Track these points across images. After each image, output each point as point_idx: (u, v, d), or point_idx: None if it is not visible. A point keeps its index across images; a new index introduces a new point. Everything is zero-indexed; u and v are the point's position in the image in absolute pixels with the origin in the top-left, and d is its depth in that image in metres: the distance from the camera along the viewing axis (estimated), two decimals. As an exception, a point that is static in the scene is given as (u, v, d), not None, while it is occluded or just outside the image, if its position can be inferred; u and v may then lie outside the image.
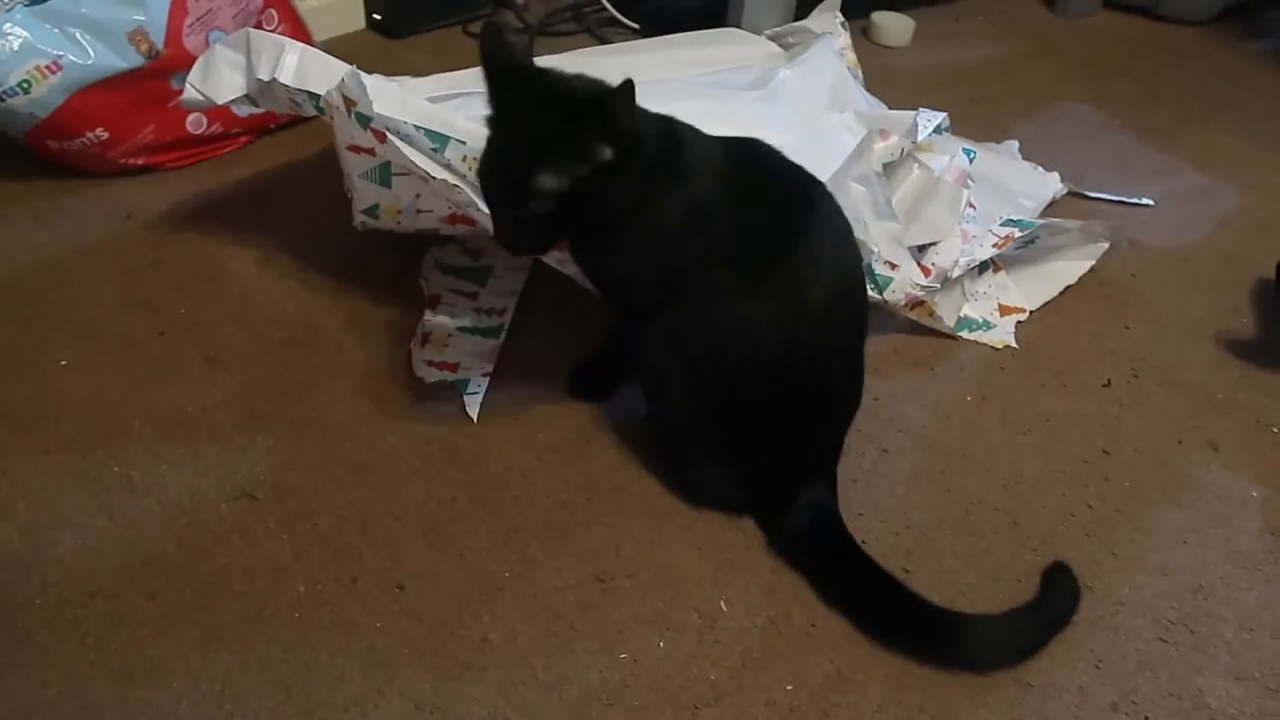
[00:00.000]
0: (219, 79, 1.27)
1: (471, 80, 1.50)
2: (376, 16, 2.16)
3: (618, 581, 1.02)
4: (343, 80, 1.14)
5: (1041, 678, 0.96)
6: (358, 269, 1.37)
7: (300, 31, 1.76)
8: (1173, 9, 2.43)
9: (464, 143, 1.14)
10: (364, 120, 1.14)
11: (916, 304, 1.32)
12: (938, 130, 1.42)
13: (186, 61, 1.52)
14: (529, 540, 1.06)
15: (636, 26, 2.23)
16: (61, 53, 1.44)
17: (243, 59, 1.26)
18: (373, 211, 1.29)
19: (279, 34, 1.69)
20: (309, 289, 1.38)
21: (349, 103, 1.15)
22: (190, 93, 1.28)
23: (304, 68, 1.21)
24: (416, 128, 1.13)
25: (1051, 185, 1.68)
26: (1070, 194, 1.71)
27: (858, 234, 1.23)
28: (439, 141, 1.14)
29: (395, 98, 1.14)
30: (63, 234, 1.48)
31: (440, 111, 1.17)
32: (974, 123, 1.86)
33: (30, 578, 0.99)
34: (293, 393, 1.22)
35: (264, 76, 1.21)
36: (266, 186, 1.62)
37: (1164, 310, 1.48)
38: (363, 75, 1.13)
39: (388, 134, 1.13)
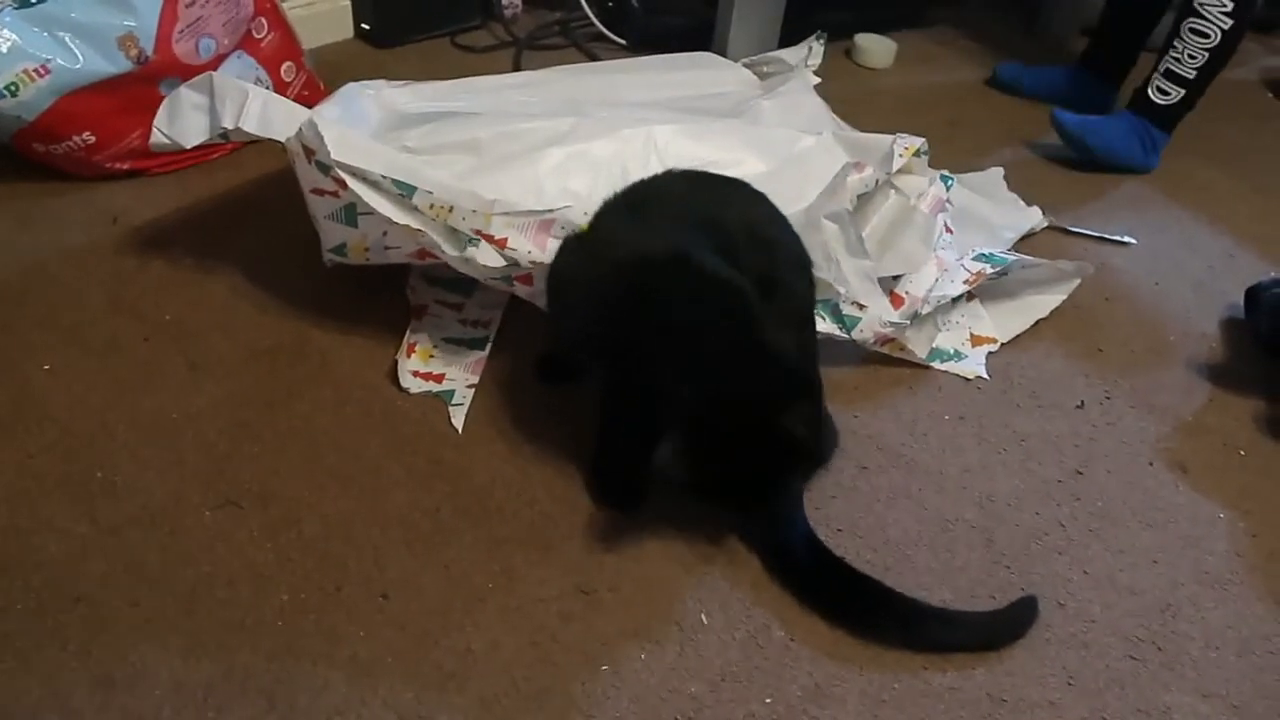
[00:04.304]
0: (185, 123, 1.28)
1: (449, 93, 1.51)
2: (365, 26, 2.17)
3: (600, 594, 1.03)
4: (300, 130, 1.16)
5: (1014, 693, 0.98)
6: (344, 278, 1.38)
7: (289, 40, 1.77)
8: (1151, 39, 2.49)
9: (431, 192, 1.15)
10: (324, 168, 1.15)
11: (886, 340, 1.34)
12: (917, 154, 1.45)
13: (175, 67, 1.54)
14: (512, 551, 1.07)
15: (624, 43, 2.25)
16: (50, 56, 1.44)
17: (207, 100, 1.27)
18: (340, 250, 1.29)
19: (269, 42, 1.72)
20: (295, 297, 1.38)
21: (308, 151, 1.16)
22: (157, 137, 1.29)
23: (267, 114, 1.23)
24: (383, 176, 1.14)
25: (1032, 218, 1.71)
26: (1051, 228, 1.74)
27: (829, 273, 1.26)
28: (406, 189, 1.15)
29: (359, 147, 1.16)
30: (48, 238, 1.47)
31: (405, 160, 1.18)
32: (955, 146, 1.90)
33: (12, 583, 0.98)
34: (278, 401, 1.23)
35: (228, 124, 1.23)
36: (254, 193, 1.62)
37: (1136, 334, 1.51)
38: (320, 124, 1.14)
39: (348, 181, 1.14)
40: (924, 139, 1.44)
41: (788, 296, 1.09)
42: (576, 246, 1.13)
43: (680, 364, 0.99)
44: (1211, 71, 1.81)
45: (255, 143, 1.69)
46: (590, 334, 1.08)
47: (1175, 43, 1.81)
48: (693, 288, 1.02)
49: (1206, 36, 1.76)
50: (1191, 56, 1.80)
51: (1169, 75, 1.84)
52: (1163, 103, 1.87)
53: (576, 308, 1.10)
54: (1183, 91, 1.83)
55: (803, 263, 1.16)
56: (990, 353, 1.43)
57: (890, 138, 1.41)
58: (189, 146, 1.28)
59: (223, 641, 0.95)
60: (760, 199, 1.17)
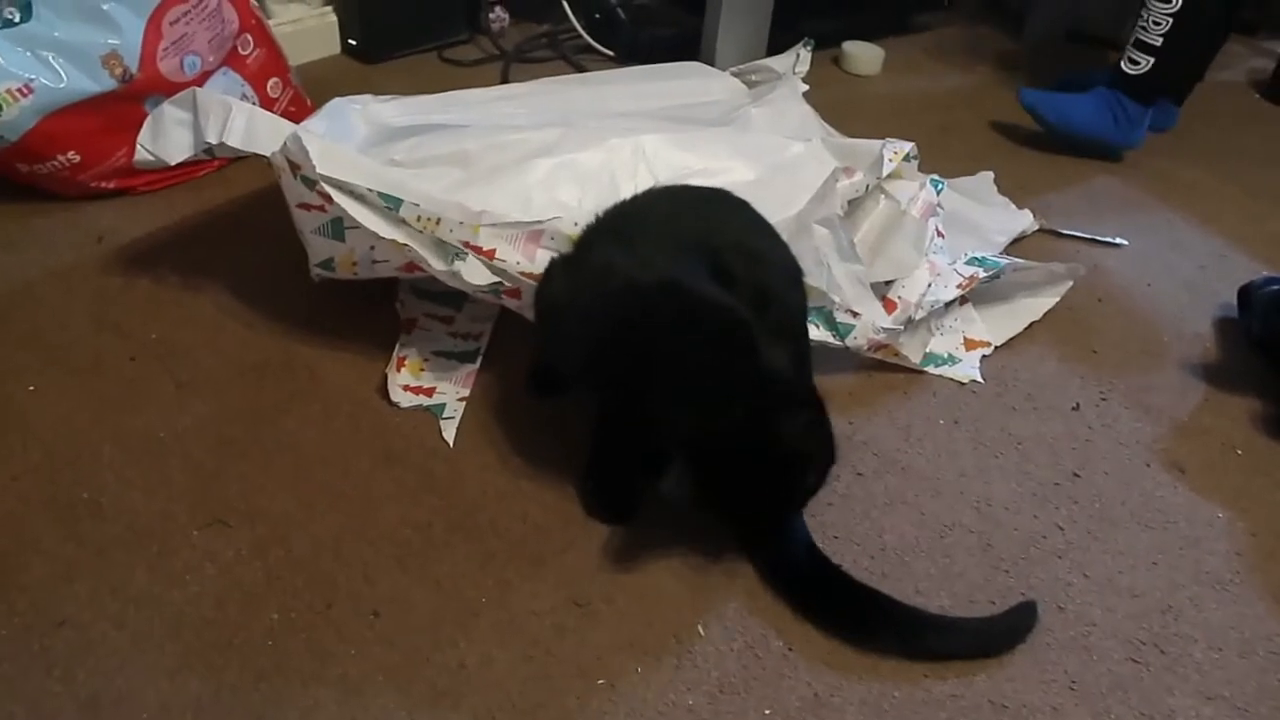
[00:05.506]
0: (169, 140, 1.27)
1: (436, 106, 1.51)
2: (352, 41, 2.17)
3: (595, 606, 1.02)
4: (285, 144, 1.15)
5: (1016, 699, 0.97)
6: (332, 293, 1.37)
7: (276, 56, 1.76)
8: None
9: (417, 204, 1.14)
10: (309, 183, 1.14)
11: (879, 346, 1.33)
12: (907, 159, 1.44)
13: (160, 85, 1.53)
14: (505, 565, 1.06)
15: (611, 54, 2.25)
16: (33, 76, 1.43)
17: (191, 116, 1.26)
18: (328, 265, 1.28)
19: (254, 58, 1.71)
20: (283, 313, 1.37)
21: (293, 166, 1.15)
22: (141, 154, 1.28)
23: (252, 129, 1.22)
24: (369, 190, 1.14)
25: (1023, 221, 1.70)
26: (1042, 230, 1.73)
27: (820, 280, 1.25)
28: (393, 202, 1.14)
29: (344, 160, 1.15)
30: (32, 257, 1.46)
31: (392, 173, 1.17)
32: (944, 152, 1.90)
33: (-5, 606, 0.97)
34: (266, 418, 1.21)
35: (212, 139, 1.22)
36: (240, 210, 1.61)
37: (1130, 335, 1.51)
38: (305, 138, 1.13)
39: (333, 195, 1.13)
40: (913, 143, 1.44)
41: (781, 308, 1.08)
42: (563, 273, 1.12)
43: (678, 394, 0.97)
44: (1181, 39, 1.83)
45: (242, 159, 1.68)
46: (583, 363, 1.08)
47: (1142, 11, 1.86)
48: (687, 317, 1.01)
49: (1169, 1, 1.79)
50: (1156, 23, 1.83)
51: (1138, 44, 1.88)
52: (1133, 72, 1.89)
53: (568, 337, 1.09)
54: (1152, 60, 1.85)
55: (793, 271, 1.15)
56: (984, 356, 1.42)
57: (880, 143, 1.40)
58: (173, 163, 1.27)
59: (211, 662, 0.93)
60: (744, 207, 1.16)
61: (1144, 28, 1.85)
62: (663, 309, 1.01)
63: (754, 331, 1.00)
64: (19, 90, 1.42)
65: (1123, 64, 1.90)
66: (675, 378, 0.98)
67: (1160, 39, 1.83)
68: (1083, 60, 2.50)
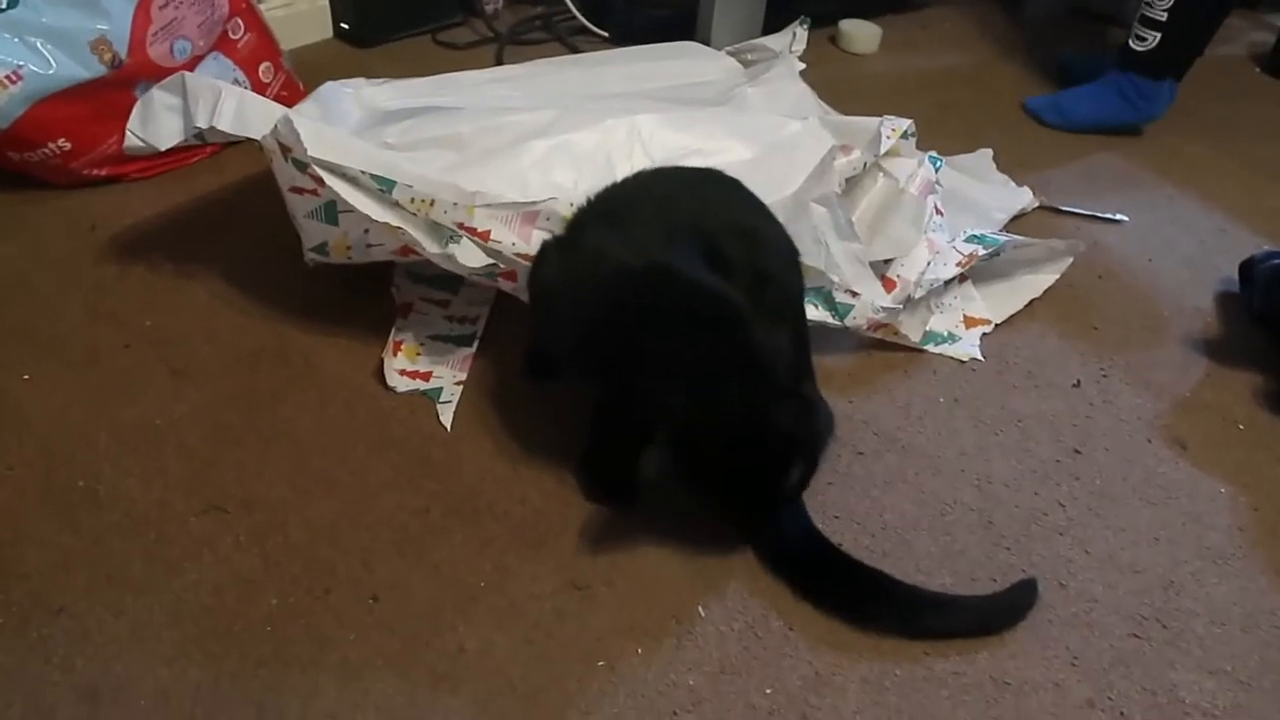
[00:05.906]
0: (158, 125, 1.25)
1: (430, 89, 1.49)
2: (345, 25, 2.15)
3: (594, 589, 1.02)
4: (276, 127, 1.13)
5: (1018, 675, 0.96)
6: (327, 278, 1.36)
7: (267, 40, 1.75)
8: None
9: (411, 186, 1.13)
10: (301, 166, 1.13)
11: (879, 326, 1.32)
12: (904, 136, 1.43)
13: (150, 71, 1.52)
14: (504, 549, 1.05)
15: (606, 35, 2.23)
16: (22, 63, 1.41)
17: (181, 101, 1.25)
18: (321, 250, 1.27)
19: (245, 43, 1.70)
20: (278, 299, 1.36)
21: (284, 149, 1.14)
22: (131, 140, 1.26)
23: (242, 113, 1.20)
24: (362, 172, 1.12)
25: (1022, 199, 1.69)
26: (1042, 207, 1.72)
27: (819, 259, 1.24)
28: (386, 185, 1.13)
29: (336, 143, 1.13)
30: (24, 247, 1.45)
31: (385, 156, 1.16)
32: (943, 130, 1.88)
33: (-8, 596, 0.97)
34: (262, 404, 1.21)
35: (201, 124, 1.20)
36: (234, 197, 1.60)
37: (1130, 311, 1.50)
38: (296, 121, 1.11)
39: (325, 178, 1.12)
40: (911, 120, 1.43)
41: (779, 290, 1.07)
42: (555, 255, 1.11)
43: (669, 380, 0.97)
44: (1186, 13, 1.82)
45: (235, 145, 1.68)
46: (575, 347, 1.07)
47: None
48: (678, 303, 1.00)
49: None
50: None
51: (1143, 21, 1.88)
52: (1141, 49, 1.89)
53: (560, 320, 1.08)
54: (1159, 35, 1.86)
55: (790, 252, 1.14)
56: (984, 334, 1.41)
57: (877, 120, 1.39)
58: (163, 148, 1.26)
59: (209, 649, 0.93)
60: (738, 188, 1.15)
61: (1149, 4, 1.85)
62: (653, 294, 1.00)
63: (746, 318, 0.99)
64: (8, 77, 1.41)
65: (1130, 42, 1.90)
66: (666, 363, 0.97)
67: (1165, 14, 1.83)
68: (1084, 37, 2.48)
